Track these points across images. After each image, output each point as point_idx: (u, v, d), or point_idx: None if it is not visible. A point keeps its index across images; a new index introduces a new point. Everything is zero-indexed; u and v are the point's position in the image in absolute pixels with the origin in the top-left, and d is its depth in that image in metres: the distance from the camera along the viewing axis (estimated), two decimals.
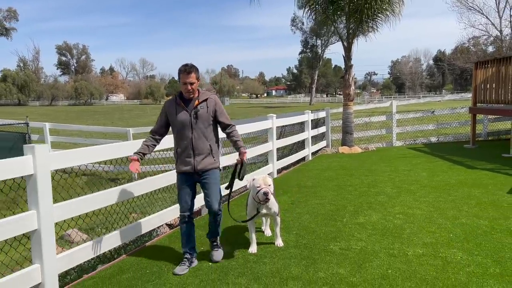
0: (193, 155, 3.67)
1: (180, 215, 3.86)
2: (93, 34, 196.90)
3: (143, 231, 4.54)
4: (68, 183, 4.70)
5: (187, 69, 3.63)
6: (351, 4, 10.95)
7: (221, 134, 4.07)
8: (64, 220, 3.65)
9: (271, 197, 4.04)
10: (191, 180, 3.79)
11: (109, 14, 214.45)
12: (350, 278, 3.50)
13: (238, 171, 4.00)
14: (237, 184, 6.55)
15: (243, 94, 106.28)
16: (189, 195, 3.82)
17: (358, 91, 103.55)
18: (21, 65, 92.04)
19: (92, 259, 3.99)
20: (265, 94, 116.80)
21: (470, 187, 6.47)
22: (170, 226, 5.55)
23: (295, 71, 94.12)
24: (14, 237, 3.17)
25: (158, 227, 5.15)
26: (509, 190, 6.14)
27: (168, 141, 4.14)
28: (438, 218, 4.98)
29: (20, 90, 76.79)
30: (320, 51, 63.35)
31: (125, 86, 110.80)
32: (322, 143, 11.76)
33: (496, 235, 4.33)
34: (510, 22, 34.85)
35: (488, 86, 10.09)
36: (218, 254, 3.97)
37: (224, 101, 79.88)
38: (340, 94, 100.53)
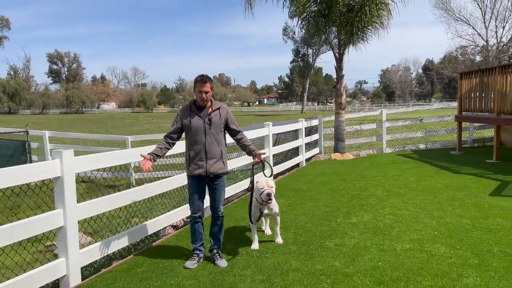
0: (206, 159, 4.03)
1: (191, 216, 4.22)
2: (84, 42, 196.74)
3: (152, 231, 4.89)
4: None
5: (203, 79, 4.04)
6: (342, 18, 11.46)
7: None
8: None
9: (273, 198, 4.43)
10: (202, 183, 4.15)
11: (100, 22, 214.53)
12: (345, 269, 3.89)
13: (263, 169, 4.55)
14: (236, 188, 6.96)
15: (235, 102, 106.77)
16: (200, 198, 4.18)
17: (349, 99, 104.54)
18: (12, 73, 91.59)
19: (107, 255, 4.33)
20: (257, 102, 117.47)
21: (455, 190, 6.92)
22: (175, 227, 5.89)
23: (286, 79, 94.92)
24: (19, 243, 3.41)
25: (163, 228, 5.50)
26: (490, 193, 6.60)
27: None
28: (424, 218, 5.41)
29: (10, 98, 76.37)
30: (311, 60, 64.21)
31: (116, 94, 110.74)
32: (315, 150, 12.20)
33: (476, 232, 4.75)
34: (496, 32, 35.86)
35: (472, 96, 10.62)
36: (222, 262, 4.12)
37: None
38: (331, 103, 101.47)
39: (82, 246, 6.40)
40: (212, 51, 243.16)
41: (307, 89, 67.71)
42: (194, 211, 4.19)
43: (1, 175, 3.15)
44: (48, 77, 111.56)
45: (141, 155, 3.94)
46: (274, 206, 4.56)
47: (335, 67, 12.09)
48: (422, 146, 12.96)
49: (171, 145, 4.17)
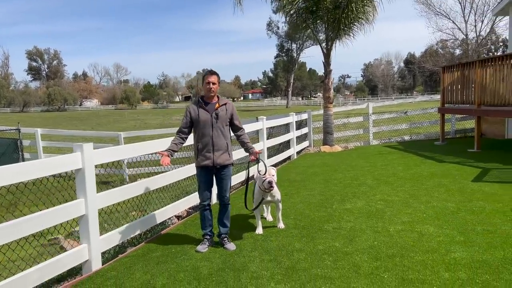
0: (213, 151, 4.34)
1: (200, 204, 4.53)
2: (64, 38, 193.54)
3: (160, 220, 5.18)
4: (63, 186, 5.06)
5: (211, 71, 4.39)
6: (329, 14, 11.83)
7: None
8: (74, 219, 4.17)
9: (275, 186, 4.77)
10: (210, 173, 4.46)
11: (81, 18, 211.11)
12: (344, 248, 4.26)
13: (257, 167, 4.75)
14: (234, 180, 7.27)
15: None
16: (208, 187, 4.49)
17: (333, 94, 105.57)
18: None
19: (121, 243, 4.61)
20: (242, 98, 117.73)
21: (440, 177, 7.37)
22: (179, 217, 6.18)
23: (270, 74, 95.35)
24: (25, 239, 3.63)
25: (169, 218, 5.78)
26: (473, 179, 7.06)
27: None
28: (413, 203, 5.82)
29: None
30: (295, 55, 64.69)
31: (99, 91, 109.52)
32: (305, 143, 12.58)
33: (461, 214, 5.18)
34: (475, 26, 36.83)
35: (454, 88, 11.13)
36: (231, 245, 4.44)
37: None
38: (315, 97, 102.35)
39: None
40: (196, 47, 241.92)
41: (291, 84, 68.20)
42: (203, 199, 4.50)
43: (31, 166, 3.40)
44: (27, 74, 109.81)
45: (159, 152, 4.25)
46: (276, 193, 4.90)
47: (323, 62, 12.47)
48: (407, 138, 13.47)
49: (184, 139, 4.45)
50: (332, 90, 12.54)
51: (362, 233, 4.68)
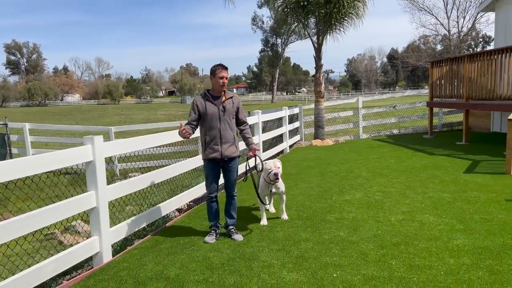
0: (221, 143, 4.39)
1: (208, 196, 4.58)
2: (44, 32, 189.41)
3: (165, 213, 5.21)
4: (53, 182, 5.02)
5: (224, 66, 4.42)
6: (321, 9, 11.93)
7: None
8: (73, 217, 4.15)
9: (280, 178, 4.85)
10: (218, 166, 4.50)
11: (61, 11, 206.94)
12: (349, 238, 4.37)
13: (254, 164, 4.77)
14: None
15: None
16: (215, 179, 4.54)
17: (324, 88, 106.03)
18: None
19: (129, 235, 4.64)
20: None
21: (432, 169, 7.57)
22: (180, 210, 6.22)
23: (255, 69, 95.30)
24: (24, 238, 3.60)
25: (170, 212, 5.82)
26: (464, 171, 7.28)
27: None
28: (410, 194, 5.98)
29: None
30: (280, 49, 64.79)
31: (80, 86, 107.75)
32: (296, 137, 12.71)
33: (457, 204, 5.35)
34: (457, 22, 37.48)
35: (443, 83, 11.38)
36: (238, 236, 4.52)
37: (185, 100, 79.74)
38: (299, 92, 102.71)
39: (79, 233, 6.66)
40: (179, 41, 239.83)
41: (276, 78, 68.33)
42: (210, 191, 4.56)
43: (47, 158, 3.40)
44: (6, 68, 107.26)
45: (181, 124, 4.32)
46: (281, 185, 4.99)
47: (314, 57, 12.57)
48: (395, 131, 13.71)
49: (194, 129, 4.47)
50: (323, 85, 12.67)
51: (364, 223, 4.81)
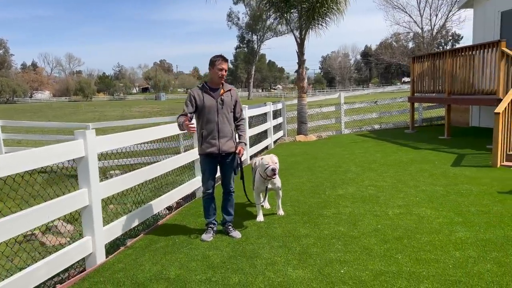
0: (218, 137, 4.22)
1: (204, 192, 4.39)
2: (11, 27, 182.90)
3: (157, 210, 5.01)
4: (29, 182, 4.69)
5: (225, 58, 4.23)
6: (304, 3, 11.85)
7: None
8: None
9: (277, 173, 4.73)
10: (215, 161, 4.33)
11: (29, 6, 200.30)
12: (350, 233, 4.30)
13: (235, 164, 4.42)
14: None
15: (179, 90, 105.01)
16: (212, 175, 4.36)
17: (292, 85, 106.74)
18: None
19: (122, 234, 4.42)
20: None
21: (420, 163, 7.61)
22: (169, 208, 6.01)
23: (231, 66, 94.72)
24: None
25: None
26: (452, 164, 7.35)
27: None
28: (403, 187, 5.97)
29: None
30: (256, 46, 64.66)
31: (51, 83, 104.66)
32: (280, 133, 12.62)
33: (451, 197, 5.37)
34: (430, 20, 38.24)
35: (425, 78, 11.51)
36: (236, 233, 4.37)
37: (160, 96, 78.59)
38: (275, 89, 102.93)
39: (62, 234, 6.36)
40: (152, 37, 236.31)
41: (252, 75, 68.18)
42: (207, 187, 4.38)
43: (35, 154, 3.17)
44: None
45: (184, 119, 4.06)
46: (277, 180, 4.86)
47: (297, 52, 12.51)
48: (377, 127, 13.81)
49: (191, 119, 4.27)
50: (306, 80, 12.62)
51: (363, 217, 4.75)
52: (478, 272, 3.26)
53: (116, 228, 4.10)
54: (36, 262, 3.25)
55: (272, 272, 3.48)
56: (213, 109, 4.19)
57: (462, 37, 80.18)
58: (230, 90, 4.34)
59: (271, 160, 4.66)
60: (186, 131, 4.09)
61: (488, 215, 4.58)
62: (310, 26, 12.29)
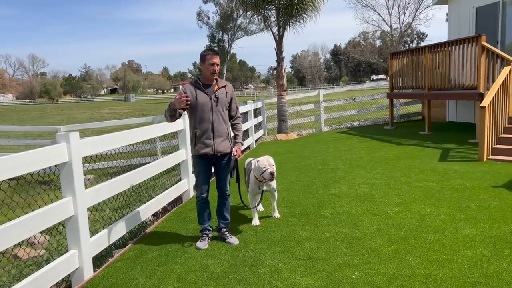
0: (213, 137, 3.92)
1: (199, 197, 4.08)
2: None
3: (144, 217, 4.67)
4: None
5: (215, 51, 3.94)
6: (281, 0, 11.67)
7: None
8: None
9: None
10: (210, 163, 4.03)
11: None
12: (353, 234, 4.10)
13: (231, 167, 4.14)
14: None
15: (149, 90, 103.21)
16: (207, 178, 4.06)
17: (263, 85, 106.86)
18: None
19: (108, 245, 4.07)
20: (172, 90, 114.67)
21: (407, 159, 7.54)
22: (154, 215, 5.66)
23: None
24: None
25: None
26: (439, 159, 7.31)
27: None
28: (396, 184, 5.85)
29: None
30: (227, 45, 64.15)
31: (13, 85, 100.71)
32: (260, 132, 12.39)
33: (447, 193, 5.27)
34: (399, 18, 38.96)
35: (403, 74, 11.53)
36: (234, 239, 4.09)
37: (129, 97, 76.94)
38: (246, 88, 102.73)
39: (41, 244, 5.92)
40: (119, 37, 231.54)
41: (224, 75, 67.67)
42: (201, 191, 4.08)
43: (4, 163, 2.79)
44: None
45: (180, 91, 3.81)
46: (273, 182, 4.62)
47: (275, 50, 12.30)
48: (356, 124, 13.79)
49: (179, 117, 3.96)
50: (285, 78, 12.44)
51: (362, 217, 4.57)
52: (495, 272, 3.12)
53: (103, 239, 3.76)
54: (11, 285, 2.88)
55: (279, 281, 3.24)
56: (207, 107, 3.90)
57: (427, 35, 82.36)
58: (225, 86, 4.05)
59: (268, 163, 4.40)
60: (180, 107, 3.77)
61: (489, 210, 4.49)
62: (288, 23, 12.11)
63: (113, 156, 10.03)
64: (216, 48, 65.23)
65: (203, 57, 3.93)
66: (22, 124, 29.08)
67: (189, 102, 3.79)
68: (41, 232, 6.39)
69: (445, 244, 3.69)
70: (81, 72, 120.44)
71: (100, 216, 5.75)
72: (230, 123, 4.19)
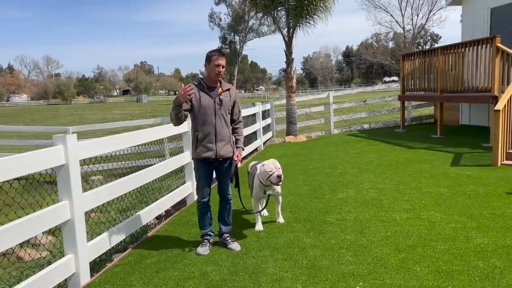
0: (215, 141, 3.82)
1: (200, 201, 3.99)
2: None
3: (146, 221, 4.58)
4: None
5: (222, 53, 3.85)
6: (291, 1, 11.54)
7: None
8: None
9: None
10: (211, 167, 3.93)
11: (4, 7, 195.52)
12: (359, 241, 3.96)
13: (232, 172, 4.02)
14: None
15: (161, 91, 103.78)
16: (208, 182, 3.96)
17: (274, 86, 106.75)
18: None
19: (107, 250, 3.98)
20: None
21: (418, 163, 7.35)
22: (158, 218, 5.59)
23: None
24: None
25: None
26: (451, 164, 7.10)
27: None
28: (405, 189, 5.68)
29: None
30: (238, 47, 64.20)
31: (28, 86, 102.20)
32: (269, 134, 12.27)
33: (459, 199, 5.09)
34: (412, 19, 38.49)
35: (415, 76, 11.31)
36: (235, 245, 3.98)
37: (141, 98, 77.52)
38: (257, 90, 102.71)
39: (43, 246, 5.86)
40: (132, 39, 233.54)
41: (235, 76, 67.73)
42: (202, 196, 3.98)
43: (7, 163, 2.73)
44: None
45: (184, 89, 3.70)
46: (277, 186, 4.49)
47: (285, 51, 12.18)
48: (366, 126, 13.59)
49: (185, 119, 3.87)
50: (294, 79, 12.31)
51: (369, 224, 4.42)
52: (508, 284, 2.96)
53: (102, 244, 3.67)
54: None
55: None
56: (210, 110, 3.80)
57: (440, 37, 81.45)
58: (229, 89, 3.94)
59: (274, 166, 4.27)
60: (184, 100, 3.68)
61: (502, 218, 4.30)
62: (298, 25, 11.98)
63: (122, 157, 10.03)
64: (226, 50, 65.48)
65: (209, 57, 3.83)
66: (35, 124, 29.40)
67: (192, 95, 3.68)
68: (44, 234, 6.41)
69: (455, 254, 3.52)
70: (94, 73, 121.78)
71: (105, 218, 5.69)
72: (232, 127, 4.08)
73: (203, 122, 3.81)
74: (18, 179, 3.03)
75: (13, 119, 38.09)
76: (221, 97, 3.83)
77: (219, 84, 3.91)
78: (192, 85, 3.79)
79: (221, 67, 3.80)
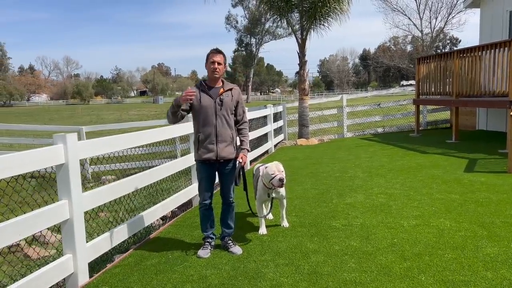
0: (216, 142, 3.76)
1: (201, 203, 3.94)
2: (8, 30, 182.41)
3: (149, 222, 4.55)
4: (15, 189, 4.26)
5: (217, 50, 3.79)
6: (305, 3, 11.45)
7: None
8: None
9: None
10: (213, 168, 3.87)
11: (26, 8, 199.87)
12: (364, 248, 3.85)
13: (236, 174, 3.93)
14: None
15: (177, 93, 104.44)
16: (210, 184, 3.90)
17: (290, 89, 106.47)
18: None
19: (108, 250, 3.96)
20: None
21: (430, 168, 7.18)
22: (163, 219, 5.56)
23: (229, 69, 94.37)
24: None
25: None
26: (464, 170, 6.91)
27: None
28: (416, 195, 5.53)
29: None
30: (254, 49, 64.33)
31: (48, 86, 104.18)
32: (280, 137, 12.19)
33: (470, 206, 4.93)
34: (430, 23, 37.97)
35: (430, 80, 11.09)
36: (237, 249, 3.91)
37: (157, 99, 78.21)
38: (273, 92, 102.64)
39: (52, 244, 5.89)
40: (150, 40, 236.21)
41: (251, 78, 67.86)
42: (204, 198, 3.93)
43: (6, 161, 2.72)
44: None
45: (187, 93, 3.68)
46: (282, 189, 4.42)
47: (298, 53, 12.09)
48: (380, 130, 13.39)
49: (182, 118, 3.83)
50: (307, 82, 12.21)
51: (376, 230, 4.31)
52: None
53: (102, 244, 3.65)
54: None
55: None
56: (211, 110, 3.74)
57: (460, 41, 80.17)
58: (231, 89, 3.87)
59: (277, 169, 4.19)
60: (183, 102, 3.66)
61: None
62: (312, 27, 11.88)
63: (134, 157, 10.09)
64: (243, 52, 65.52)
65: (206, 56, 3.79)
66: (53, 123, 29.87)
67: (192, 99, 3.65)
68: (53, 233, 6.43)
69: (463, 264, 3.39)
70: (112, 74, 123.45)
71: (113, 217, 5.69)
72: (236, 128, 4.01)
73: (204, 123, 3.76)
74: (23, 176, 3.03)
75: (32, 118, 38.82)
76: (222, 97, 3.77)
77: (221, 84, 3.85)
78: (194, 90, 3.74)
79: (216, 63, 3.74)
